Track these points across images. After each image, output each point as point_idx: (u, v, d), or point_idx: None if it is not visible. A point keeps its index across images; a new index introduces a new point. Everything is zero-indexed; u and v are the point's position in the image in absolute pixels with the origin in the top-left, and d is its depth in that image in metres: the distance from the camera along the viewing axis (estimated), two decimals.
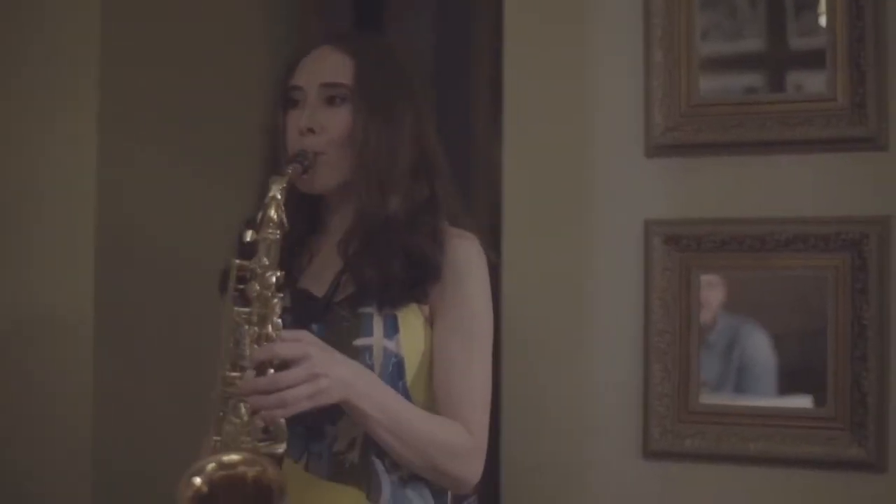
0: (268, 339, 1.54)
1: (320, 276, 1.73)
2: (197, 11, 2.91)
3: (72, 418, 2.59)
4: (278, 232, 1.58)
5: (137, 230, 2.69)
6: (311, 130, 1.68)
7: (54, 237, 2.64)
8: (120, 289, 2.64)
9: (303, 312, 1.68)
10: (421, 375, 1.71)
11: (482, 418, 1.70)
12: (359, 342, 1.65)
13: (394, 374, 1.67)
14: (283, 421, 1.51)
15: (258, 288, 1.56)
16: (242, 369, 1.55)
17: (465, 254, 1.72)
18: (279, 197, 1.59)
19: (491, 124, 2.82)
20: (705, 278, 2.32)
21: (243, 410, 1.54)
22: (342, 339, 1.64)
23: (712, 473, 2.31)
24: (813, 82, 2.29)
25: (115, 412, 2.62)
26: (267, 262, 1.57)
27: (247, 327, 1.56)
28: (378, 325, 1.66)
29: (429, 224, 1.70)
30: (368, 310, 1.66)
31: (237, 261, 1.59)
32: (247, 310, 1.56)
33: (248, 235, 1.58)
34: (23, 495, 2.60)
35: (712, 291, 2.33)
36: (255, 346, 1.54)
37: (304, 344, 1.54)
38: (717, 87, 2.35)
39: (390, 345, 1.66)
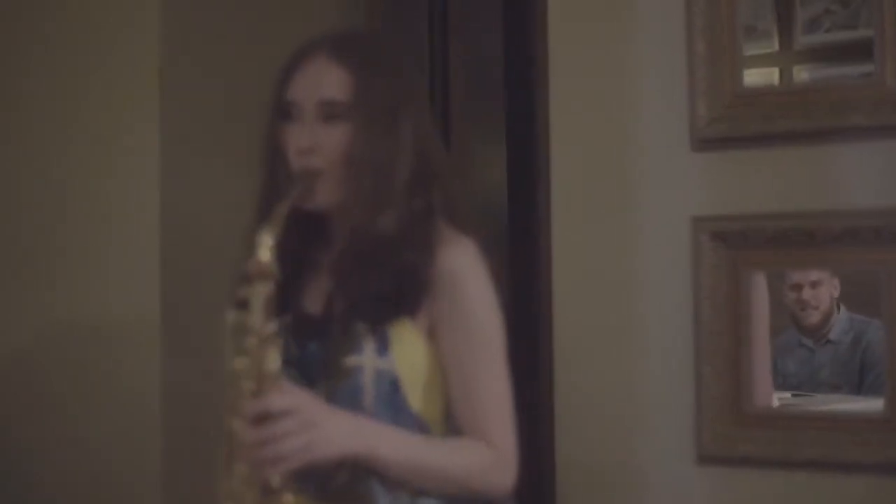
0: (264, 392, 1.52)
1: (321, 294, 1.70)
2: (258, 17, 2.94)
3: (141, 421, 2.64)
4: (272, 283, 1.54)
5: (201, 235, 2.72)
6: (310, 149, 1.64)
7: (121, 244, 2.70)
8: (185, 293, 2.69)
9: (301, 332, 1.66)
10: (432, 394, 1.68)
11: (504, 427, 1.67)
12: (349, 360, 1.62)
13: (390, 393, 1.63)
14: (284, 476, 1.52)
15: (255, 341, 1.53)
16: (241, 420, 1.53)
17: (458, 262, 1.67)
18: (270, 243, 1.55)
19: None
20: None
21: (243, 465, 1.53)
22: (333, 357, 1.62)
23: (766, 479, 2.21)
24: None
25: (183, 414, 2.65)
26: (262, 316, 1.54)
27: (244, 381, 1.54)
28: (369, 342, 1.62)
29: (421, 235, 1.66)
30: (359, 327, 1.63)
31: (232, 315, 1.56)
32: (245, 361, 1.54)
33: (245, 292, 1.54)
34: (95, 497, 2.67)
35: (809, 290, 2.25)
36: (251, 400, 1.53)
37: (296, 396, 1.54)
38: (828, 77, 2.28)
39: (382, 363, 1.62)
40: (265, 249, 1.54)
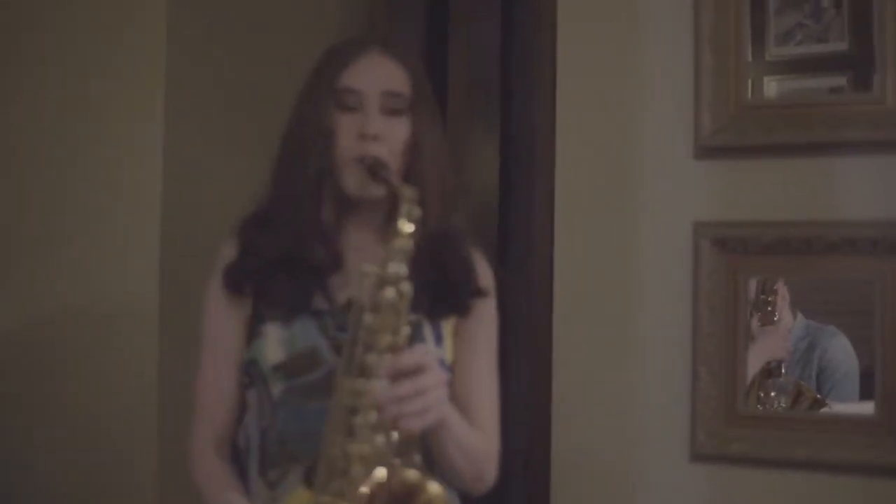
0: (399, 349, 1.54)
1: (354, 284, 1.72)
2: (261, 10, 2.97)
3: (138, 407, 2.66)
4: (412, 242, 1.58)
5: (200, 221, 2.73)
6: (376, 137, 1.68)
7: (121, 229, 2.71)
8: (184, 281, 2.69)
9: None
10: None
11: (497, 424, 1.79)
12: (416, 348, 1.64)
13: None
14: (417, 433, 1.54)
15: (394, 296, 1.54)
16: (370, 378, 1.52)
17: (484, 270, 1.80)
18: (414, 210, 1.59)
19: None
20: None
21: (375, 420, 1.52)
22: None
23: (759, 478, 2.29)
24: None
25: (179, 402, 2.66)
26: (403, 271, 1.56)
27: (381, 335, 1.54)
28: (429, 332, 1.71)
29: (469, 240, 1.78)
30: (416, 318, 1.66)
31: (374, 267, 1.56)
32: (380, 317, 1.54)
33: (395, 245, 1.56)
34: (89, 484, 2.69)
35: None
36: (388, 356, 1.53)
37: (429, 352, 1.60)
38: (797, 89, 2.32)
39: (439, 352, 1.71)
40: (409, 222, 1.57)
